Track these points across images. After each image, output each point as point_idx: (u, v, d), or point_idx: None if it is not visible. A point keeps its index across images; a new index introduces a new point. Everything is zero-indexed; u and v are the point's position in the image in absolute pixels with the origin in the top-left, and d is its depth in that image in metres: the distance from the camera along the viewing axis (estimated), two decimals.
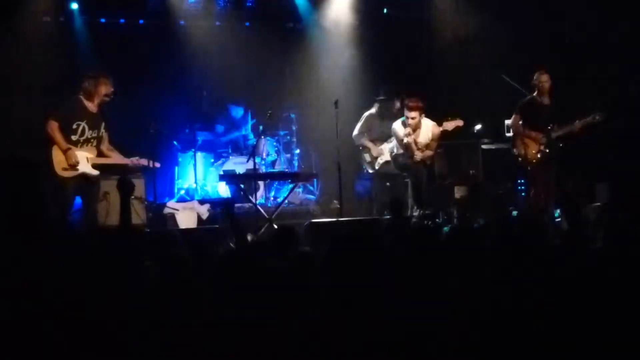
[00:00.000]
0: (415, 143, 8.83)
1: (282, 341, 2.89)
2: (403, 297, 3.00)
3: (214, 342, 3.01)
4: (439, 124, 8.93)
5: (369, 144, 9.53)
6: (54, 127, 7.27)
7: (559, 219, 7.41)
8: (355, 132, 9.68)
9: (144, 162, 7.82)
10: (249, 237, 6.29)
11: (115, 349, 3.38)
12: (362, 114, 9.88)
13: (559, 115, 8.66)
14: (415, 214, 8.55)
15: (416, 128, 8.87)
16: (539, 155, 8.64)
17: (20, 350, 2.49)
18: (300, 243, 5.02)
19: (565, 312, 3.10)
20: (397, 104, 9.67)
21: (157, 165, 8.26)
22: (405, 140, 8.81)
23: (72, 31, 10.25)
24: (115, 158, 7.61)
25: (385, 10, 11.65)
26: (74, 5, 10.27)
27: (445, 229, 6.26)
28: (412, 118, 8.81)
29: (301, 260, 4.10)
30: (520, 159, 8.79)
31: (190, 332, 3.19)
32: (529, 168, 8.81)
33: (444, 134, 9.11)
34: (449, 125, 8.94)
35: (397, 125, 9.02)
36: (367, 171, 9.68)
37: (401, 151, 9.03)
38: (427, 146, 8.89)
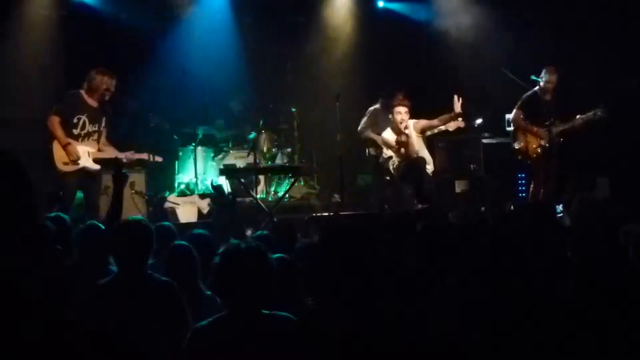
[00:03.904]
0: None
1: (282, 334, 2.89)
2: (400, 291, 3.01)
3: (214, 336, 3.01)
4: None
5: (375, 136, 9.39)
6: (54, 121, 7.30)
7: (560, 215, 7.39)
8: (361, 126, 9.63)
9: (138, 156, 7.83)
10: (249, 232, 6.29)
11: (115, 346, 3.39)
12: (363, 108, 9.86)
13: (561, 111, 8.65)
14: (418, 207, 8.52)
15: (405, 127, 8.77)
16: (539, 150, 8.65)
17: (17, 349, 2.48)
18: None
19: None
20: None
21: (159, 159, 8.27)
22: (404, 132, 8.70)
23: (73, 25, 10.24)
24: (110, 153, 7.61)
25: (382, 4, 11.64)
26: None
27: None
28: (402, 112, 8.72)
29: (301, 253, 4.11)
30: (521, 153, 8.79)
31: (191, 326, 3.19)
32: (529, 162, 8.81)
33: (445, 133, 9.11)
34: (451, 125, 8.93)
35: (387, 134, 8.92)
36: (372, 164, 9.64)
37: (397, 160, 8.91)
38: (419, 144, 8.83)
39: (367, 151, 9.62)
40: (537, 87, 8.75)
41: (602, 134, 9.20)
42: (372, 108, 9.75)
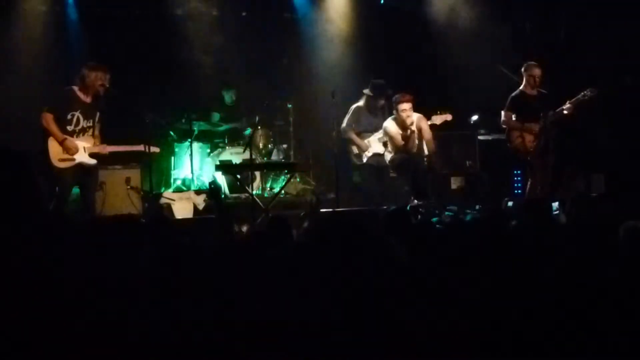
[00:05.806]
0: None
1: (279, 332, 2.89)
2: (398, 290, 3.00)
3: (211, 333, 3.02)
4: (428, 117, 8.95)
5: (356, 139, 9.55)
6: (48, 118, 7.29)
7: (557, 212, 7.40)
8: (344, 124, 9.70)
9: (123, 148, 7.88)
10: (244, 228, 6.28)
11: (113, 344, 3.38)
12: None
13: (551, 103, 8.65)
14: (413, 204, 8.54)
15: (411, 122, 8.84)
16: (535, 145, 8.64)
17: (16, 347, 2.48)
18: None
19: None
20: (382, 102, 9.67)
21: (156, 149, 8.29)
22: (410, 129, 8.79)
23: (68, 21, 10.21)
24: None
25: (382, 1, 11.63)
26: None
27: (434, 219, 6.25)
28: (407, 109, 8.80)
29: (297, 250, 4.09)
30: (518, 150, 8.77)
31: (188, 324, 3.19)
32: (529, 158, 8.79)
33: (436, 127, 9.12)
34: (438, 119, 8.95)
35: (389, 124, 8.98)
36: (354, 162, 9.72)
37: (392, 152, 8.98)
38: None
39: (349, 150, 9.68)
40: (521, 86, 8.75)
41: (597, 130, 9.23)
42: (355, 106, 9.78)
